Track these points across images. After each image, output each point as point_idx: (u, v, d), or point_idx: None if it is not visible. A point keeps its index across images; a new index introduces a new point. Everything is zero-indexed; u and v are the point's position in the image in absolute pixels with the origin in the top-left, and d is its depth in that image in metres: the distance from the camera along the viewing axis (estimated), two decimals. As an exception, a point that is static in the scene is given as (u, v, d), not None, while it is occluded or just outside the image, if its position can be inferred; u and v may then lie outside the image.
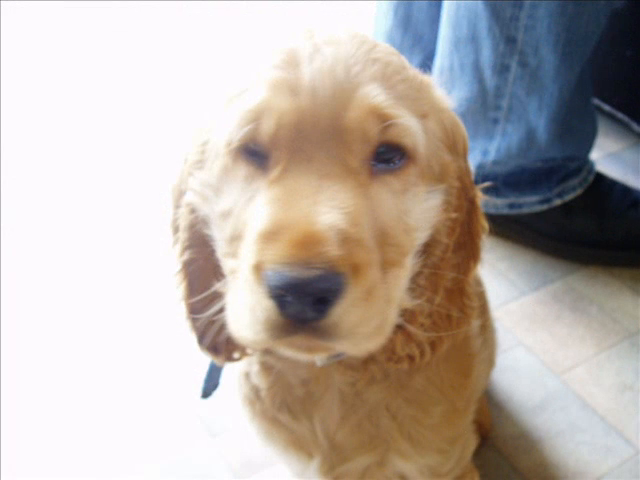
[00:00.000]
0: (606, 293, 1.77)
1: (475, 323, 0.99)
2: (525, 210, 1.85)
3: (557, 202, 1.84)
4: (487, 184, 0.89)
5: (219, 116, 0.76)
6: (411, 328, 0.80)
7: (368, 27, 2.09)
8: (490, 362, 1.31)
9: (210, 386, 0.98)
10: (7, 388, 1.55)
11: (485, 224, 0.87)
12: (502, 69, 1.66)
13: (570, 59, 1.63)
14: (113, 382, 1.58)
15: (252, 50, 0.77)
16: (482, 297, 1.16)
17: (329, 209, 0.65)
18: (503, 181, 1.82)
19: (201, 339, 0.87)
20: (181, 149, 0.84)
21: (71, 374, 1.59)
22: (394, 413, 0.93)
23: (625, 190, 1.89)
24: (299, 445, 0.98)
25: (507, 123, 1.73)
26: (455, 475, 1.08)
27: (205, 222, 0.79)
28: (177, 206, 0.83)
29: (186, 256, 0.83)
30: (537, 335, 1.67)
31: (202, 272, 0.83)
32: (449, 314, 0.85)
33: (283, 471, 1.30)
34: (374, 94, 0.70)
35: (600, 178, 1.90)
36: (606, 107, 2.26)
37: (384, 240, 0.70)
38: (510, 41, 1.62)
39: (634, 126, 2.23)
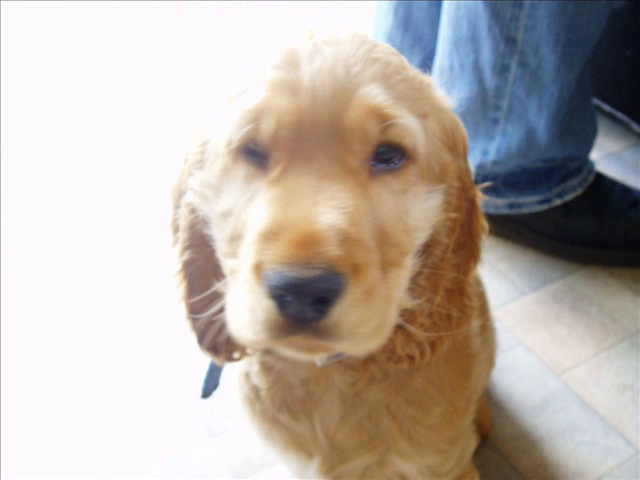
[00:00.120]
0: (606, 293, 1.77)
1: (475, 323, 0.99)
2: (525, 210, 1.85)
3: (557, 202, 1.84)
4: (487, 184, 0.89)
5: (219, 116, 0.76)
6: (411, 328, 0.80)
7: (368, 27, 2.09)
8: (490, 362, 1.31)
9: (210, 386, 0.98)
10: (7, 388, 1.55)
11: (485, 224, 0.87)
12: (502, 69, 1.66)
13: (570, 59, 1.63)
14: (113, 382, 1.58)
15: (252, 50, 0.77)
16: (482, 297, 1.16)
17: (329, 209, 0.65)
18: (503, 181, 1.81)
19: (201, 339, 0.87)
20: (181, 149, 0.84)
21: (71, 374, 1.59)
22: (394, 413, 0.93)
23: (625, 190, 1.89)
24: (299, 445, 0.98)
25: (507, 123, 1.73)
26: (455, 475, 1.08)
27: (205, 222, 0.79)
28: (177, 206, 0.83)
29: (186, 256, 0.83)
30: (537, 335, 1.67)
31: (202, 272, 0.83)
32: (449, 314, 0.85)
33: (283, 471, 1.30)
34: (374, 94, 0.70)
35: (600, 178, 1.90)
36: (606, 107, 2.26)
37: (384, 240, 0.70)
38: (510, 41, 1.62)
39: (634, 126, 2.23)
